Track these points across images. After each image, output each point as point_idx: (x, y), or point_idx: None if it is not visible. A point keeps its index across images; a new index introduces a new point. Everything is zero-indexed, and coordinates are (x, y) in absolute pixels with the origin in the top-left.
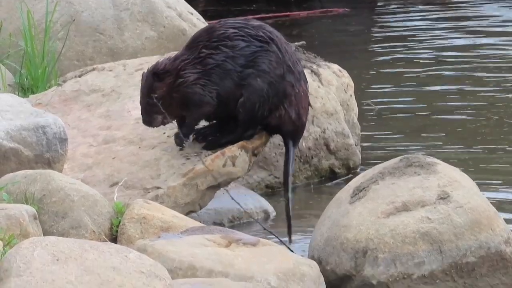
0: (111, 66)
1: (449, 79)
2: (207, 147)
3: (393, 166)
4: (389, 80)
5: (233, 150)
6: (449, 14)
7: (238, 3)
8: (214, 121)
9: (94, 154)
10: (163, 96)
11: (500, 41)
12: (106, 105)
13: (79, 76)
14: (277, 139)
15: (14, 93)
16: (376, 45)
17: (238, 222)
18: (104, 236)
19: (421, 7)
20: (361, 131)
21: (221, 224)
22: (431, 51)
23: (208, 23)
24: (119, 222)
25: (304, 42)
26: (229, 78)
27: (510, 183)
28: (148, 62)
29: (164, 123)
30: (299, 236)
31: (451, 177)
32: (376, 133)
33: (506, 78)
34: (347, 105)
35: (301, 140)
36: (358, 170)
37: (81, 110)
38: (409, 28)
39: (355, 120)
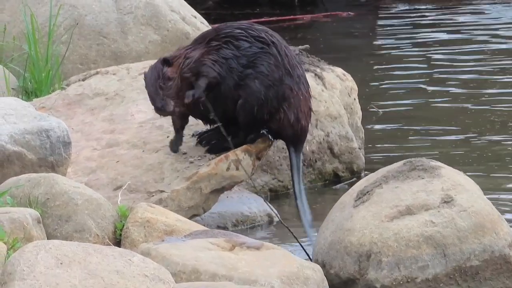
0: (114, 70)
1: (454, 82)
2: (210, 150)
3: (396, 169)
4: (393, 84)
5: (236, 153)
6: (454, 16)
7: (242, 7)
8: (216, 126)
9: (98, 158)
10: (174, 78)
11: (506, 43)
12: (110, 109)
13: (83, 80)
14: (281, 142)
15: (18, 97)
16: (380, 49)
17: (242, 226)
18: (107, 240)
19: (426, 9)
20: (364, 135)
21: (225, 228)
22: (436, 54)
23: (212, 27)
24: (123, 225)
25: (308, 45)
26: (231, 76)
27: None
28: None
29: (175, 112)
30: (302, 240)
31: (455, 181)
32: (380, 136)
33: None
34: (351, 108)
35: (305, 144)
36: (362, 173)
37: (84, 114)
38: (413, 31)
39: (359, 123)
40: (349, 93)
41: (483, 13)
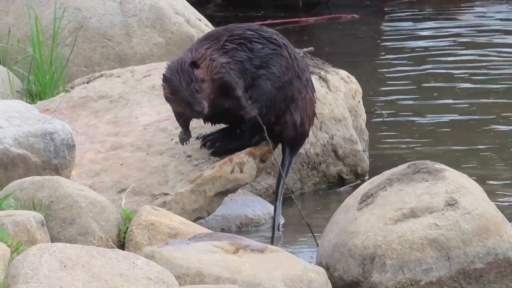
0: (119, 72)
1: (458, 85)
2: (215, 153)
3: (401, 172)
4: (397, 86)
5: (241, 156)
6: (458, 19)
7: (246, 9)
8: (221, 127)
9: (102, 161)
10: (206, 80)
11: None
12: (114, 111)
13: (87, 82)
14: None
15: (22, 99)
16: (385, 51)
17: (246, 228)
18: (111, 243)
19: (430, 11)
20: (369, 137)
21: (229, 231)
22: (440, 57)
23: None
24: (127, 228)
25: (312, 48)
26: (245, 77)
27: None
28: (156, 68)
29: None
30: (306, 242)
31: (459, 184)
32: (384, 139)
33: None
34: (355, 111)
35: (310, 146)
36: (366, 176)
37: (89, 116)
38: (418, 34)
39: (363, 126)
40: (353, 95)
41: (487, 15)
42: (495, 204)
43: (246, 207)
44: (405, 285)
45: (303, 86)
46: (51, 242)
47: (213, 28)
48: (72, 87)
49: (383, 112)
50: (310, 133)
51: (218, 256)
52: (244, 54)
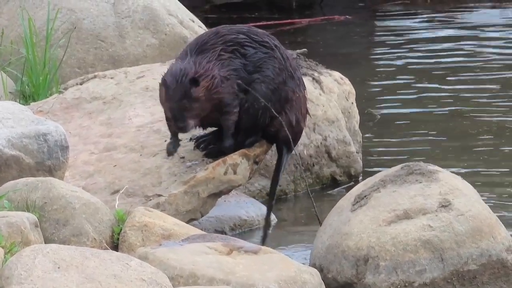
0: (112, 74)
1: (452, 86)
2: (208, 155)
3: (394, 173)
4: (391, 88)
5: (234, 158)
6: (452, 19)
7: (240, 11)
8: (214, 129)
9: (95, 162)
10: (201, 100)
11: (504, 47)
12: (107, 113)
13: (80, 84)
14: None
15: (15, 101)
16: (378, 52)
17: (240, 229)
18: (105, 244)
19: (423, 12)
20: (362, 139)
21: (222, 232)
22: (434, 57)
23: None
24: (120, 229)
25: (305, 49)
26: (240, 87)
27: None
28: (150, 69)
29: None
30: (300, 244)
31: (453, 185)
32: (378, 140)
33: (510, 83)
34: (349, 112)
35: (303, 147)
36: (359, 177)
37: (82, 118)
38: (411, 34)
39: (357, 127)
40: (346, 97)
41: (482, 15)
42: (488, 204)
43: (239, 208)
44: (399, 286)
45: (296, 85)
46: (45, 243)
47: (206, 30)
48: (65, 89)
49: (377, 114)
50: (304, 134)
51: (211, 258)
52: (238, 62)
